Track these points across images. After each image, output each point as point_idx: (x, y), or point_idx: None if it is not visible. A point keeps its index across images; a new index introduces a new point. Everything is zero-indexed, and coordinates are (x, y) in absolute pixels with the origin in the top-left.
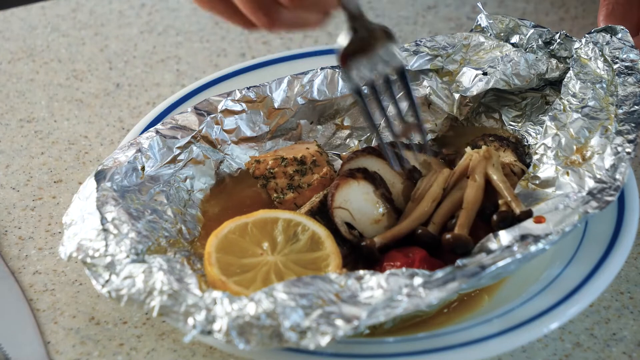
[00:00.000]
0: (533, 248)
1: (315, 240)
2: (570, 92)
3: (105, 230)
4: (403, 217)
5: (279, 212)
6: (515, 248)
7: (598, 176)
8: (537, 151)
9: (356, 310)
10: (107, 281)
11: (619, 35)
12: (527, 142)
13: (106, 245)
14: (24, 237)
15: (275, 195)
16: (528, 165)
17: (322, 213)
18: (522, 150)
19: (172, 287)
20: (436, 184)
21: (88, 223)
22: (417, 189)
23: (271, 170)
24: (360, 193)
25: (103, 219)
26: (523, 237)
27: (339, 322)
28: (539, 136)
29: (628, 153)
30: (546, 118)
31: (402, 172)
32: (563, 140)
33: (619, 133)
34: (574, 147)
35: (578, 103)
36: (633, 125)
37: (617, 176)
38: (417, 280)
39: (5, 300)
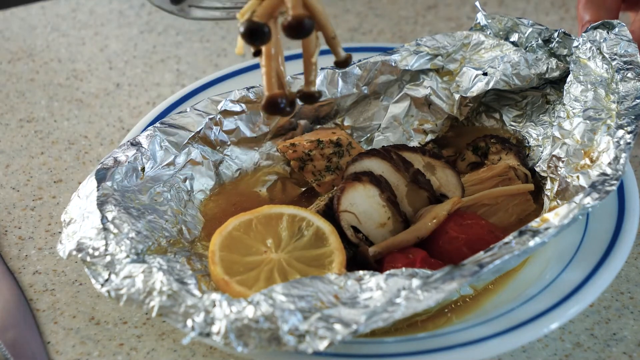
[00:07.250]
0: (532, 243)
1: (319, 236)
2: (572, 96)
3: (105, 229)
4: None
5: (283, 207)
6: (513, 244)
7: (602, 171)
8: (549, 165)
9: (355, 314)
10: (106, 280)
11: (616, 30)
12: (528, 143)
13: (106, 245)
14: (24, 237)
15: (313, 178)
16: (530, 168)
17: (328, 216)
18: (524, 154)
19: (171, 287)
20: (441, 206)
21: (88, 222)
22: (423, 208)
23: (308, 153)
24: (366, 197)
25: (103, 218)
26: (521, 233)
27: (338, 326)
28: (547, 146)
29: (628, 144)
30: (553, 129)
31: (407, 175)
32: (571, 148)
33: (619, 127)
34: (582, 152)
35: (580, 107)
36: (632, 117)
37: (618, 166)
38: (416, 282)
39: (5, 300)
